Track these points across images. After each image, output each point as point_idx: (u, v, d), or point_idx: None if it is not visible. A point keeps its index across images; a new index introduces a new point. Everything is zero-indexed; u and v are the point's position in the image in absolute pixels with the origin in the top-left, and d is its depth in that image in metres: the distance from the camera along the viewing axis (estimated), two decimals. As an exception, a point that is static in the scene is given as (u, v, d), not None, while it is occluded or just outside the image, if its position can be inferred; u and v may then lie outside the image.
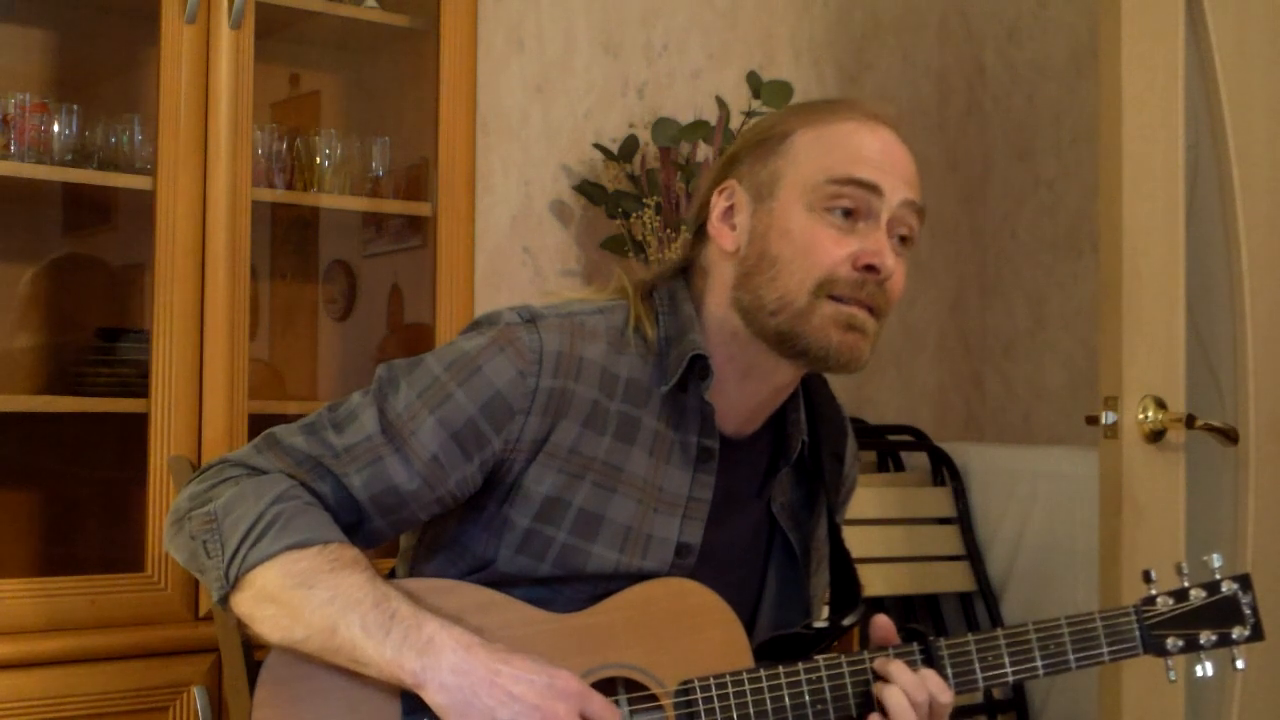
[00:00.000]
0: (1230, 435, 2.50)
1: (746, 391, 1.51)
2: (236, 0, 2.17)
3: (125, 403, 2.17)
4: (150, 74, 2.19)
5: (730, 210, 1.49)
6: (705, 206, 1.52)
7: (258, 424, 2.11)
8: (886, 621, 1.51)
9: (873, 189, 1.44)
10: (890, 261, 1.43)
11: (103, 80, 2.43)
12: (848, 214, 1.43)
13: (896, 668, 1.45)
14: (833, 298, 1.42)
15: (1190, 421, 2.43)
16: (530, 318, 1.46)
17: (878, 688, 1.45)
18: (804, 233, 1.43)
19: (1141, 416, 2.40)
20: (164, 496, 2.11)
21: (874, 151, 1.46)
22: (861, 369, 1.45)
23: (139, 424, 2.13)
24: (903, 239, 1.48)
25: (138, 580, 2.12)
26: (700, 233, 1.53)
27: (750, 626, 1.54)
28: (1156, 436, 2.42)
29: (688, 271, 1.54)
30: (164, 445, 2.12)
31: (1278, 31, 2.68)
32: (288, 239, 2.62)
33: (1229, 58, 2.61)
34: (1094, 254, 3.24)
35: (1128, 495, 2.40)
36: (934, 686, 1.45)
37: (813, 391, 1.59)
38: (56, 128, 2.20)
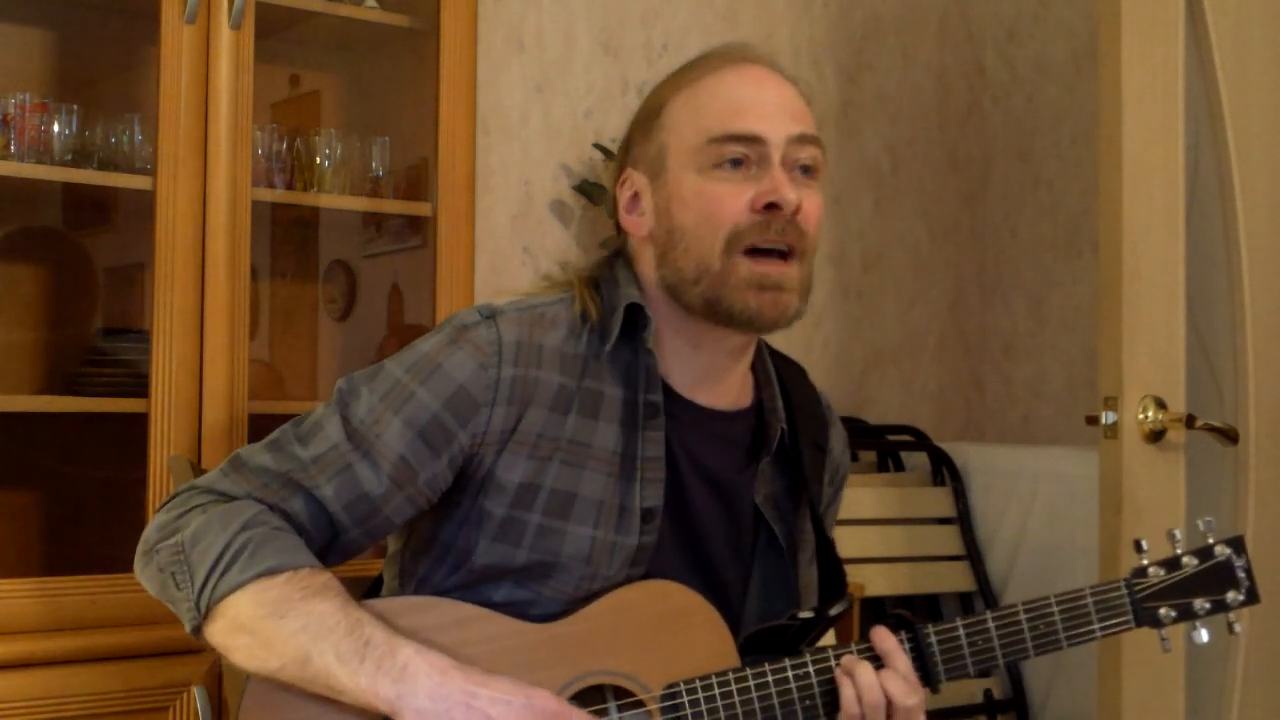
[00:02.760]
0: (1230, 435, 2.50)
1: (704, 357, 1.51)
2: (236, 0, 2.17)
3: (125, 403, 2.17)
4: (150, 74, 2.19)
5: (635, 198, 1.51)
6: (614, 204, 1.55)
7: (258, 424, 2.11)
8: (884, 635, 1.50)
9: (754, 140, 1.43)
10: (791, 195, 1.42)
11: (103, 80, 2.43)
12: (737, 164, 1.43)
13: (860, 668, 1.44)
14: (748, 253, 1.42)
15: (1190, 421, 2.42)
16: (489, 314, 1.46)
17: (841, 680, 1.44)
18: (699, 195, 1.44)
19: (1141, 416, 2.40)
20: (164, 496, 2.10)
21: (746, 98, 1.45)
22: (794, 321, 1.45)
23: (139, 424, 2.13)
24: (805, 169, 1.46)
25: (138, 580, 2.12)
26: (619, 229, 1.55)
27: (738, 618, 1.53)
28: (1156, 436, 2.41)
29: (622, 257, 1.55)
30: (164, 445, 2.12)
31: (1278, 31, 2.68)
32: (288, 239, 2.62)
33: (1229, 58, 2.61)
34: (1094, 254, 3.24)
35: (1128, 495, 2.40)
36: (895, 690, 1.43)
37: (788, 382, 1.59)
38: (56, 128, 2.20)
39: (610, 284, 1.51)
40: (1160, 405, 2.41)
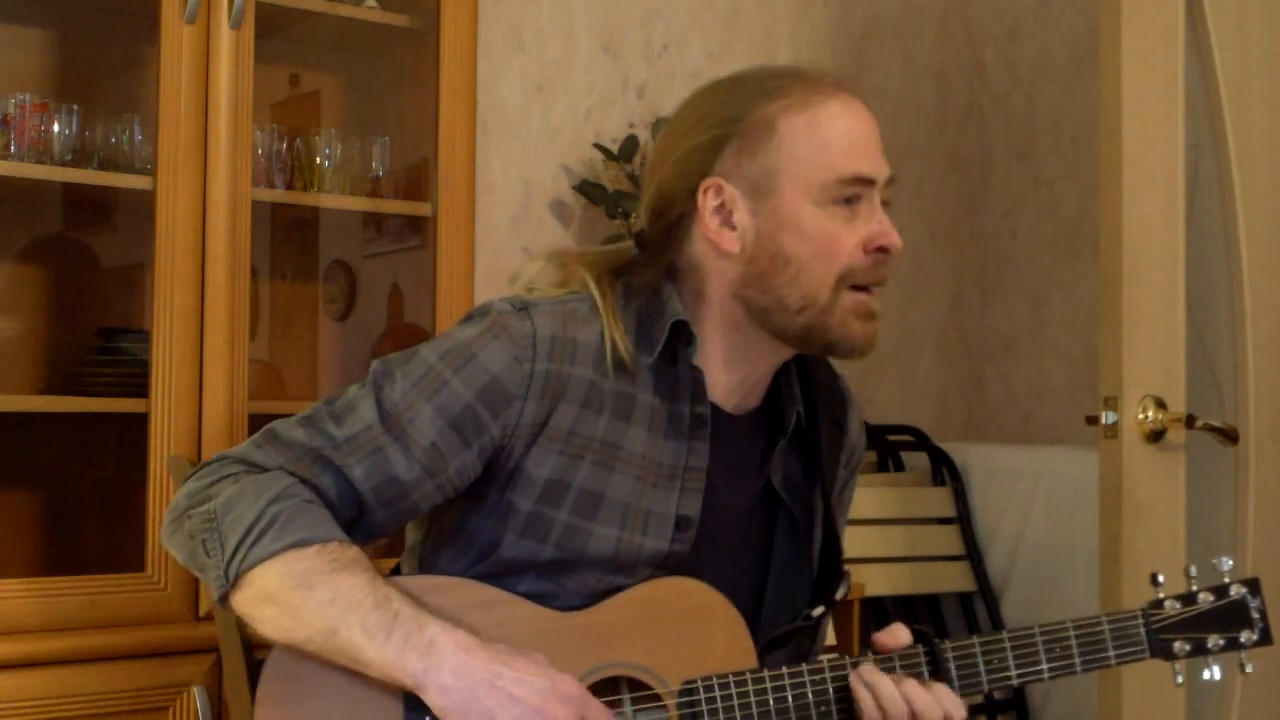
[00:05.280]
0: (1230, 435, 2.50)
1: (747, 371, 1.52)
2: (236, 0, 2.17)
3: (125, 403, 2.17)
4: (150, 74, 2.19)
5: (722, 210, 1.47)
6: (676, 202, 1.49)
7: (258, 424, 2.09)
8: (891, 640, 1.50)
9: (870, 182, 1.46)
10: (899, 241, 1.47)
11: (103, 80, 2.43)
12: (849, 201, 1.46)
13: (909, 685, 1.44)
14: (852, 287, 1.45)
15: (1190, 421, 2.42)
16: (522, 306, 1.46)
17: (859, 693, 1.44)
18: (819, 231, 1.44)
19: (1141, 416, 2.40)
20: (164, 496, 2.11)
21: (862, 137, 1.48)
22: (874, 350, 1.50)
23: (139, 424, 2.13)
24: (884, 204, 1.50)
25: (138, 580, 2.12)
26: (675, 230, 1.50)
27: (757, 605, 1.54)
28: (1156, 436, 2.41)
29: (669, 269, 1.52)
30: (164, 445, 2.12)
31: (1278, 31, 2.68)
32: (288, 239, 2.62)
33: (1229, 58, 2.61)
34: (1094, 254, 3.24)
35: (1128, 495, 2.40)
36: (949, 704, 1.45)
37: (807, 360, 1.60)
38: (56, 128, 2.20)
39: (646, 294, 1.50)
40: (1160, 405, 2.41)
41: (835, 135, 1.46)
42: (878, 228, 1.46)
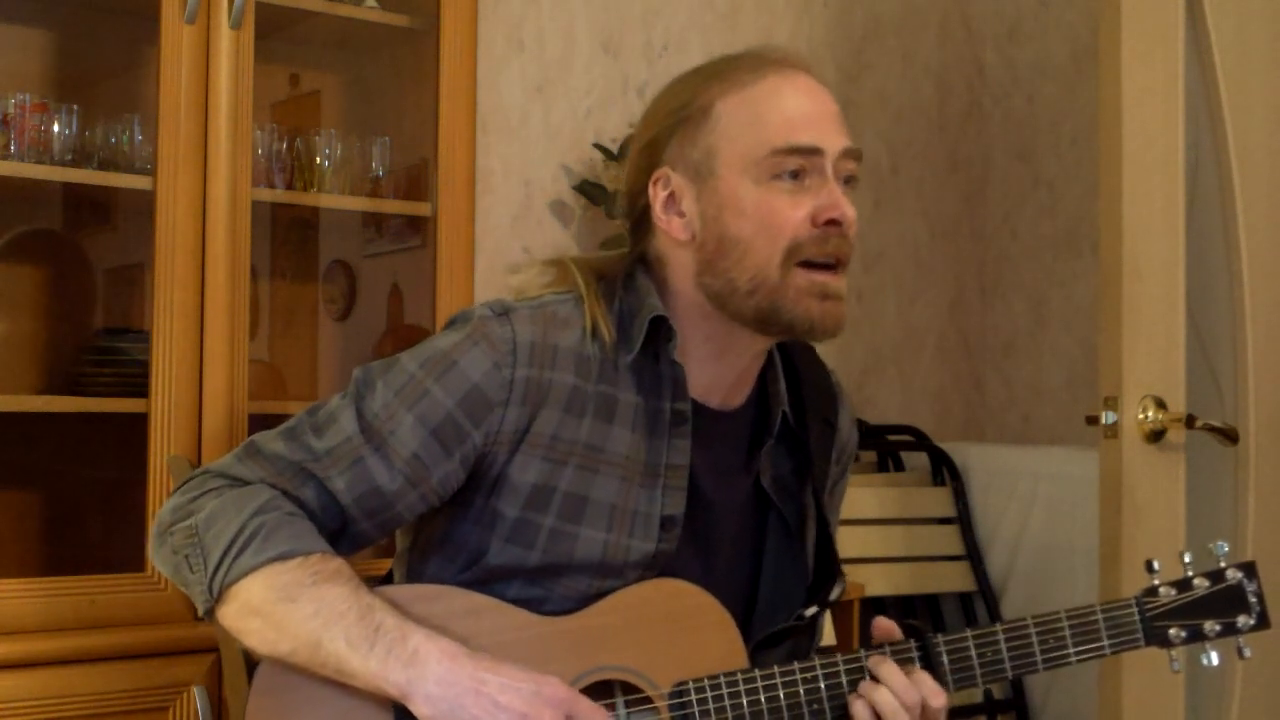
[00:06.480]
0: (1230, 435, 2.50)
1: (726, 364, 1.51)
2: (236, 0, 2.17)
3: (125, 403, 2.17)
4: (150, 74, 2.19)
5: (672, 198, 1.47)
6: (638, 198, 1.50)
7: (258, 424, 2.11)
8: (888, 623, 1.51)
9: (814, 151, 1.43)
10: (850, 212, 1.43)
11: (103, 80, 2.43)
12: (794, 175, 1.43)
13: (888, 669, 1.44)
14: (803, 264, 1.42)
15: (1190, 421, 2.42)
16: (503, 311, 1.45)
17: (868, 687, 1.44)
18: (759, 206, 1.42)
19: (1141, 416, 2.40)
20: (164, 496, 2.10)
21: (803, 109, 1.45)
22: (841, 332, 1.45)
23: (139, 424, 2.13)
24: (847, 180, 1.47)
25: (138, 580, 2.12)
26: (641, 225, 1.51)
27: (750, 605, 1.53)
28: (1156, 436, 2.41)
29: (643, 262, 1.52)
30: (164, 445, 2.12)
31: (1278, 31, 2.68)
32: (288, 239, 2.62)
33: (1229, 58, 2.61)
34: (1094, 254, 3.24)
35: (1128, 495, 2.40)
36: (926, 690, 1.44)
37: (795, 358, 1.59)
38: (56, 128, 2.20)
39: (628, 290, 1.50)
40: (1160, 405, 2.41)
41: (769, 109, 1.44)
42: (826, 200, 1.42)
